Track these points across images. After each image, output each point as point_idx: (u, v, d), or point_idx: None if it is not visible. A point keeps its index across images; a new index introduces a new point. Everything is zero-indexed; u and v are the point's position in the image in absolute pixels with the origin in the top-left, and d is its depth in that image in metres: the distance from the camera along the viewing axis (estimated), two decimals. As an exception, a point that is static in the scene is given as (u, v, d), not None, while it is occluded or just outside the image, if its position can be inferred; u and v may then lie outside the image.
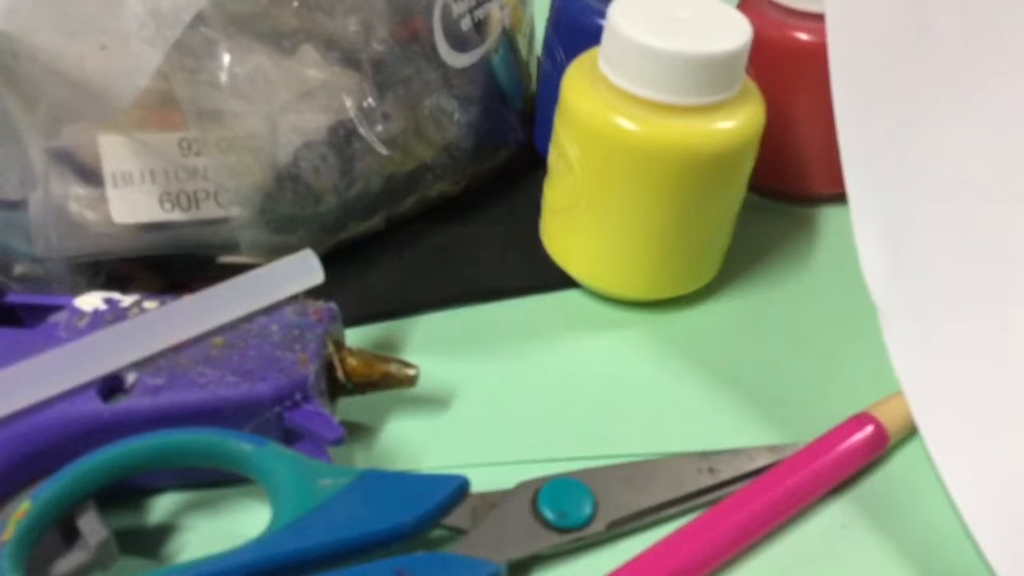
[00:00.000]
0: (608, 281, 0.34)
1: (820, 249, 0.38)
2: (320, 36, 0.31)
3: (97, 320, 0.28)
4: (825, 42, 0.30)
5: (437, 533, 0.26)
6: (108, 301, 0.28)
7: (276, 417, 0.26)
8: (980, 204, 0.31)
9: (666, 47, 0.29)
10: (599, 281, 0.34)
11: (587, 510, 0.26)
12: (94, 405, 0.25)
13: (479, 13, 0.35)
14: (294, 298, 0.29)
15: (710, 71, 0.29)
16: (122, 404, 0.26)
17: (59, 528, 0.24)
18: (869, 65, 0.30)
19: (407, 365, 0.29)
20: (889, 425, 0.29)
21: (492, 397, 0.31)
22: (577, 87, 0.31)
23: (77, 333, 0.27)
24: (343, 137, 0.32)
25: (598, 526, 0.26)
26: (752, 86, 0.32)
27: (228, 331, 0.28)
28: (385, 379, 0.29)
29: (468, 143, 0.36)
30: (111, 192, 0.30)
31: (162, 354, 0.27)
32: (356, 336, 0.32)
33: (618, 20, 0.29)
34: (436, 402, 0.31)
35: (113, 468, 0.24)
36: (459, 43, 0.35)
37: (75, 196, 0.30)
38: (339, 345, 0.29)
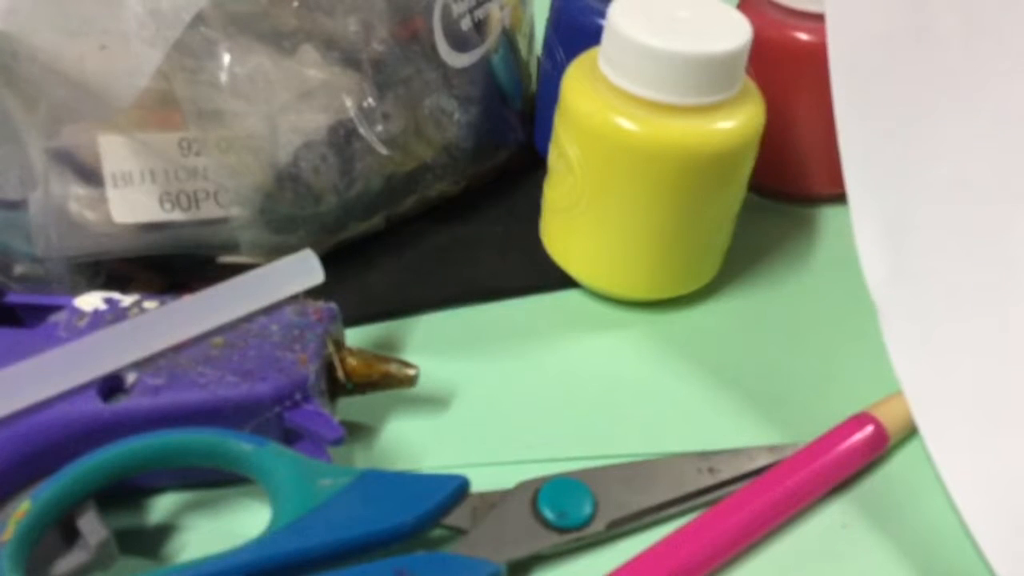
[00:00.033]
0: (608, 281, 0.34)
1: (820, 249, 0.38)
2: (320, 36, 0.31)
3: (97, 320, 0.28)
4: (825, 42, 0.30)
5: (437, 533, 0.26)
6: (108, 301, 0.28)
7: (276, 417, 0.26)
8: (980, 204, 0.31)
9: (666, 47, 0.29)
10: (599, 281, 0.34)
11: (587, 510, 0.26)
12: (94, 405, 0.25)
13: (479, 13, 0.35)
14: (294, 298, 0.29)
15: (710, 71, 0.29)
16: (122, 404, 0.26)
17: (59, 528, 0.24)
18: (869, 65, 0.30)
19: (407, 365, 0.29)
20: (889, 425, 0.29)
21: (492, 397, 0.31)
22: (577, 87, 0.31)
23: (77, 333, 0.27)
24: (343, 137, 0.32)
25: (598, 526, 0.26)
26: (752, 86, 0.32)
27: (228, 331, 0.28)
28: (385, 379, 0.29)
29: (468, 143, 0.36)
30: (111, 192, 0.30)
31: (162, 354, 0.27)
32: (356, 336, 0.32)
33: (618, 20, 0.29)
34: (436, 402, 0.31)
35: (113, 468, 0.24)
36: (459, 43, 0.35)
37: (75, 196, 0.30)
38: (339, 345, 0.29)
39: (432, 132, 0.35)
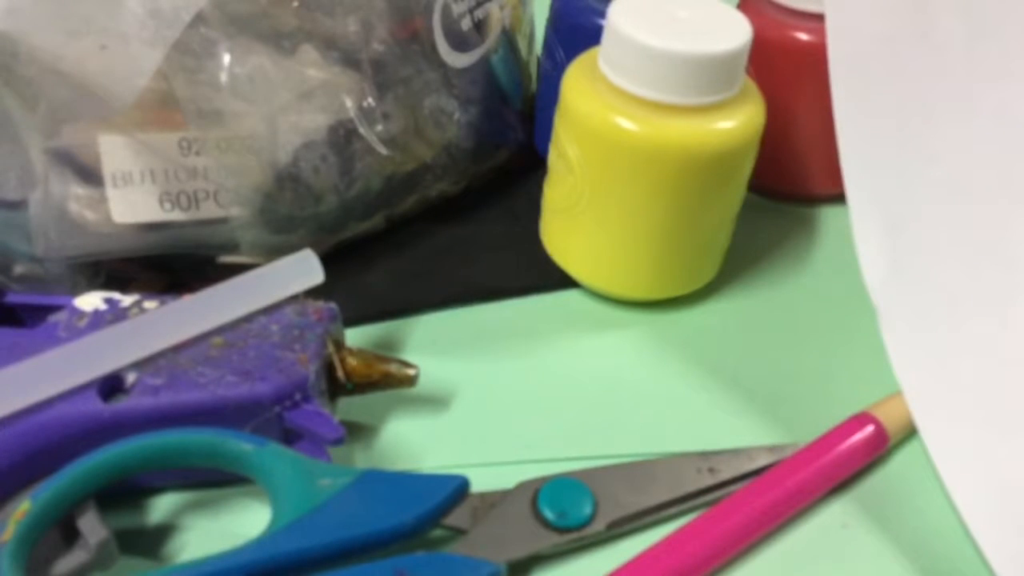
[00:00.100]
0: (608, 281, 0.34)
1: (820, 249, 0.38)
2: (320, 36, 0.31)
3: (97, 320, 0.28)
4: (825, 42, 0.30)
5: (437, 533, 0.26)
6: (108, 301, 0.28)
7: (276, 417, 0.26)
8: (980, 205, 0.31)
9: (666, 47, 0.29)
10: (599, 281, 0.34)
11: (587, 510, 0.26)
12: (94, 405, 0.25)
13: (479, 13, 0.35)
14: (294, 298, 0.29)
15: (710, 71, 0.29)
16: (122, 404, 0.26)
17: (59, 528, 0.24)
18: (869, 66, 0.30)
19: (407, 365, 0.29)
20: (889, 425, 0.29)
21: (492, 397, 0.31)
22: (577, 87, 0.31)
23: (77, 333, 0.27)
24: (343, 137, 0.32)
25: (598, 526, 0.26)
26: (752, 86, 0.32)
27: (228, 331, 0.28)
28: (385, 379, 0.29)
29: (468, 143, 0.36)
30: (111, 192, 0.30)
31: (162, 354, 0.27)
32: (356, 336, 0.32)
33: (618, 20, 0.29)
34: (436, 402, 0.31)
35: (113, 468, 0.24)
36: (459, 43, 0.35)
37: (75, 196, 0.30)
38: (339, 345, 0.29)
39: (432, 132, 0.35)
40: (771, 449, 0.29)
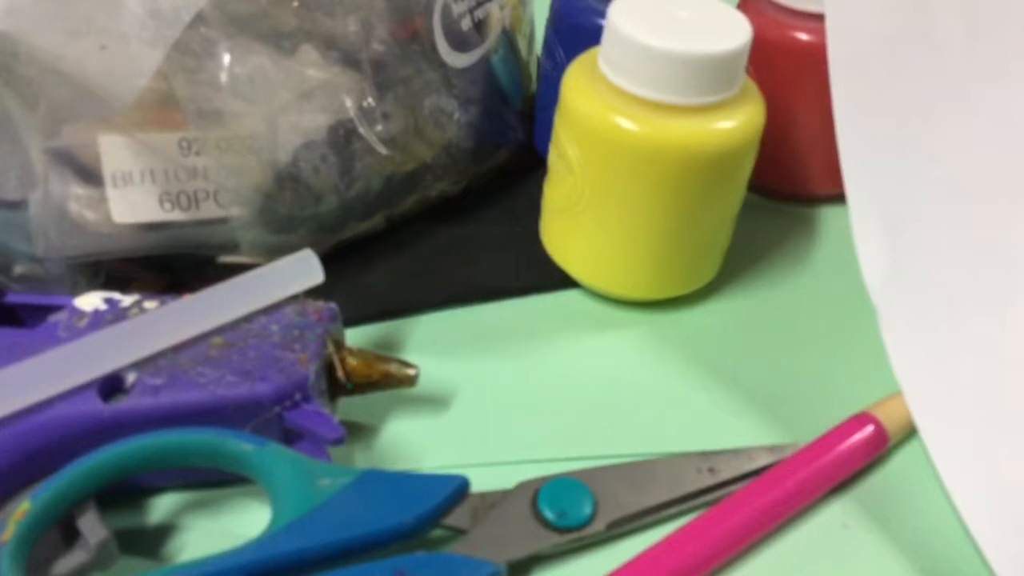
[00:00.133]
0: (608, 281, 0.34)
1: (820, 249, 0.38)
2: (320, 36, 0.31)
3: (97, 320, 0.28)
4: (825, 42, 0.30)
5: (437, 533, 0.26)
6: (108, 301, 0.28)
7: (276, 417, 0.26)
8: (979, 205, 0.31)
9: (666, 47, 0.29)
10: (599, 281, 0.34)
11: (587, 510, 0.26)
12: (94, 405, 0.25)
13: (479, 13, 0.35)
14: (294, 298, 0.29)
15: (710, 71, 0.29)
16: (122, 404, 0.26)
17: (59, 528, 0.24)
18: (869, 66, 0.30)
19: (407, 365, 0.29)
20: (889, 425, 0.29)
21: (492, 397, 0.31)
22: (577, 87, 0.31)
23: (77, 333, 0.27)
24: (343, 137, 0.32)
25: (598, 526, 0.26)
26: (752, 86, 0.32)
27: (228, 331, 0.28)
28: (385, 379, 0.29)
29: (468, 143, 0.36)
30: (111, 192, 0.30)
31: (162, 354, 0.27)
32: (356, 336, 0.32)
33: (618, 20, 0.29)
34: (436, 402, 0.31)
35: (113, 468, 0.24)
36: (459, 43, 0.35)
37: (75, 196, 0.30)
38: (339, 345, 0.29)
39: (432, 132, 0.35)
40: (771, 449, 0.29)
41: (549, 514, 0.26)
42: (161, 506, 0.27)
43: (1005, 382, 0.29)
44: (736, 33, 0.30)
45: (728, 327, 0.34)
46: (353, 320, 0.32)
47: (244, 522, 0.27)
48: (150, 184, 0.30)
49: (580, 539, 0.26)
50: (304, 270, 0.29)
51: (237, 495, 0.27)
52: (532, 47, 0.41)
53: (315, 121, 0.31)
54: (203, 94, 0.29)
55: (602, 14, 0.32)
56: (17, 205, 0.30)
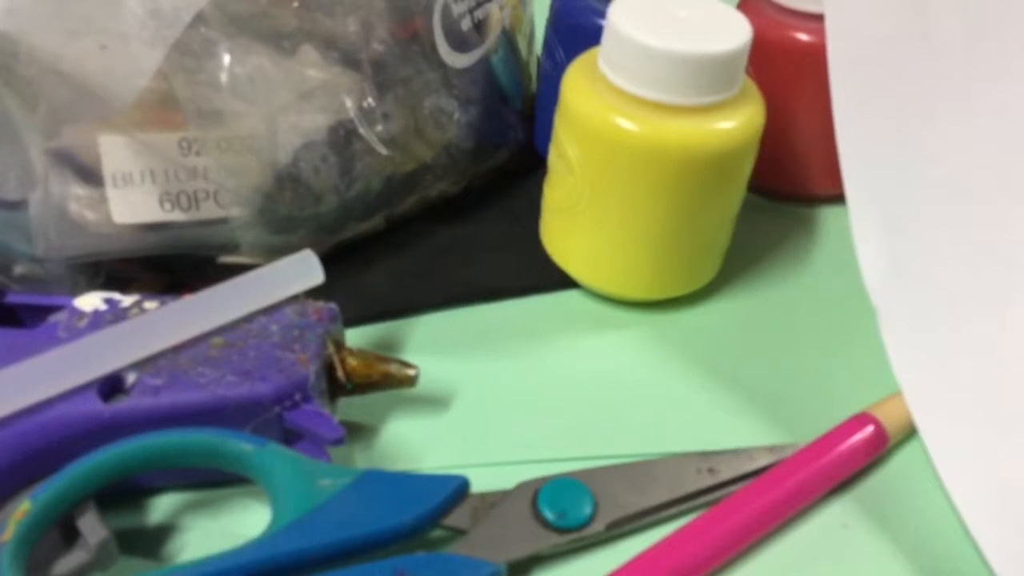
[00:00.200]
0: (608, 281, 0.34)
1: (820, 249, 0.38)
2: (320, 36, 0.31)
3: (97, 320, 0.28)
4: (825, 42, 0.30)
5: (437, 533, 0.26)
6: (108, 301, 0.28)
7: (276, 417, 0.26)
8: (979, 205, 0.31)
9: (666, 47, 0.29)
10: (599, 281, 0.34)
11: (587, 510, 0.26)
12: (94, 405, 0.25)
13: (479, 13, 0.35)
14: (294, 298, 0.29)
15: (710, 71, 0.29)
16: (122, 404, 0.26)
17: (59, 528, 0.24)
18: (869, 67, 0.30)
19: (407, 365, 0.29)
20: (889, 425, 0.29)
21: (492, 397, 0.31)
22: (577, 87, 0.31)
23: (77, 333, 0.27)
24: (343, 137, 0.32)
25: (598, 526, 0.26)
26: (752, 86, 0.32)
27: (228, 331, 0.28)
28: (385, 379, 0.29)
29: (468, 143, 0.36)
30: (111, 192, 0.30)
31: (162, 354, 0.27)
32: (356, 336, 0.32)
33: (618, 20, 0.29)
34: (436, 402, 0.31)
35: (113, 468, 0.24)
36: (459, 43, 0.35)
37: (75, 196, 0.30)
38: (339, 345, 0.29)
39: (432, 132, 0.35)
40: (771, 449, 0.29)
41: (549, 514, 0.26)
42: (161, 506, 0.27)
43: (1005, 382, 0.29)
44: (736, 33, 0.30)
45: (728, 327, 0.34)
46: (353, 320, 0.32)
47: (244, 522, 0.27)
48: (150, 184, 0.30)
49: (580, 539, 0.26)
50: (304, 270, 0.29)
51: (237, 495, 0.27)
52: (532, 47, 0.41)
53: (315, 121, 0.31)
54: (203, 94, 0.29)
55: (602, 14, 0.32)
56: (17, 205, 0.30)
